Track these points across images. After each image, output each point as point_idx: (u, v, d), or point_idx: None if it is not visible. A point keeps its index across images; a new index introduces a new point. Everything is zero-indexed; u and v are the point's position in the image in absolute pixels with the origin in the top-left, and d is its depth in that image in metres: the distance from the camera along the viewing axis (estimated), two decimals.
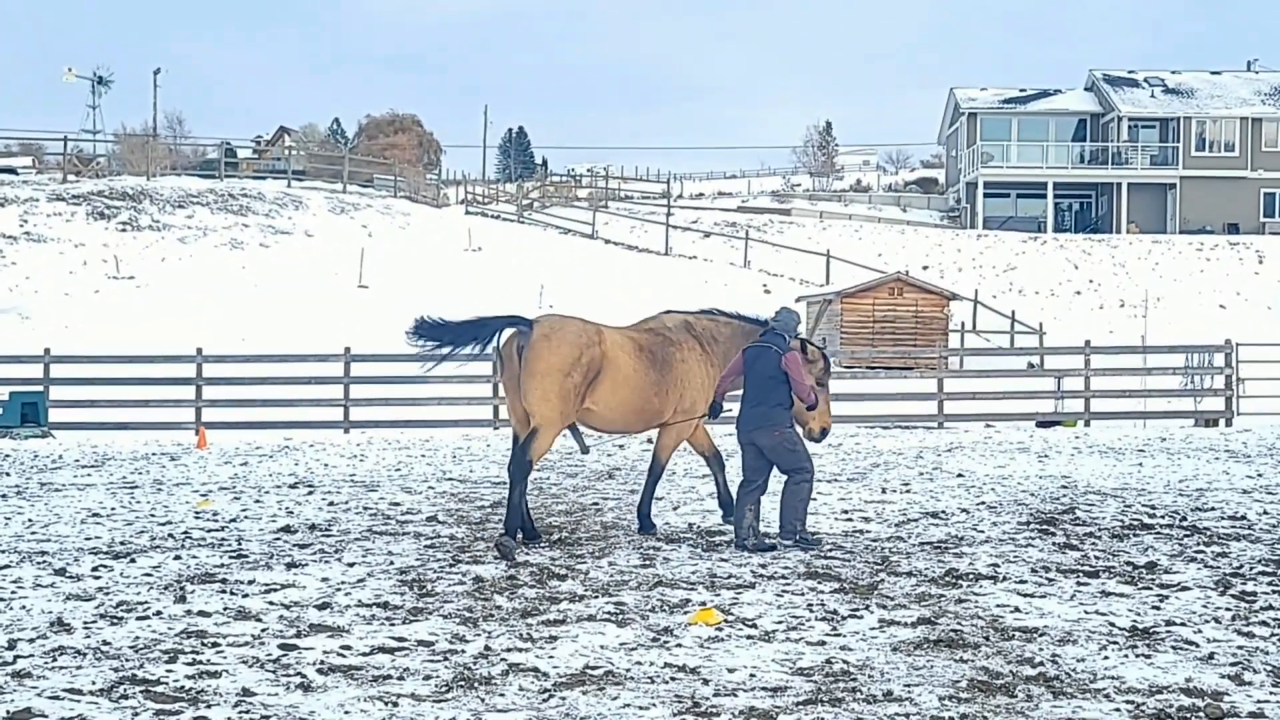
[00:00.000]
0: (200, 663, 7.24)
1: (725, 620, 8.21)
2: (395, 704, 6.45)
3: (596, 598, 8.94)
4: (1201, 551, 10.73)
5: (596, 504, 13.91)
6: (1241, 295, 51.47)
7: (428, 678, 6.95)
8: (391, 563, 10.30)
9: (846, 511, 13.21)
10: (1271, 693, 6.62)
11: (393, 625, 8.16)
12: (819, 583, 9.43)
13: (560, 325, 11.27)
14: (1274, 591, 9.08)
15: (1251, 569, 9.96)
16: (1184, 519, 12.56)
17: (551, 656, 7.37)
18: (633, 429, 12.13)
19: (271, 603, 8.82)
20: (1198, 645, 7.59)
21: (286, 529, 12.09)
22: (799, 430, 11.24)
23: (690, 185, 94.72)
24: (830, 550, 10.85)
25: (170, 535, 11.76)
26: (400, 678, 6.95)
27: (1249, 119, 64.46)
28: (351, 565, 10.18)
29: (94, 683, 6.82)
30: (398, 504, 13.90)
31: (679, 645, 7.63)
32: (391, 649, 7.57)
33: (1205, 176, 64.00)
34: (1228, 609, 8.55)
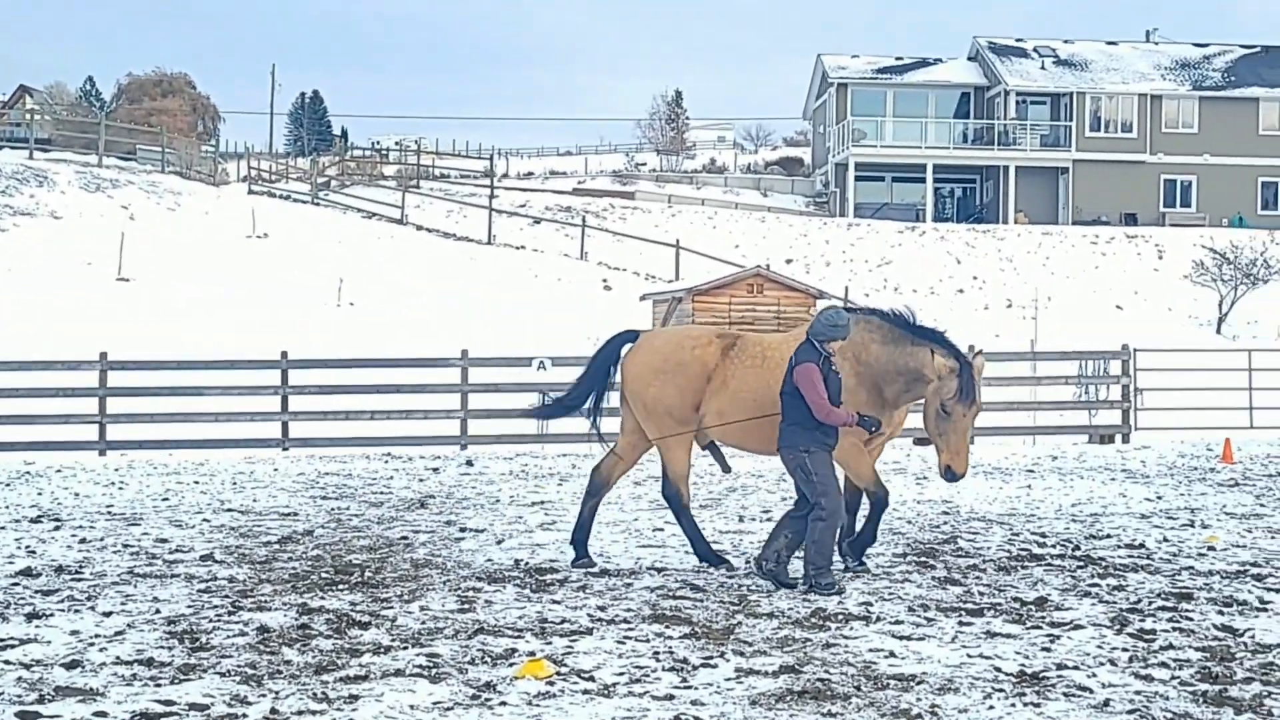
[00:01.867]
0: None
1: (558, 673, 8.18)
2: None
3: (406, 649, 8.84)
4: (1096, 585, 11.05)
5: (405, 538, 13.75)
6: (1140, 295, 53.06)
7: None
8: (157, 611, 10.02)
9: None
10: None
11: (159, 686, 7.93)
12: (667, 627, 9.47)
13: (650, 335, 12.69)
14: (1174, 629, 9.40)
15: (1150, 603, 10.28)
16: (1077, 548, 12.93)
17: (353, 717, 7.28)
18: (753, 447, 12.34)
19: (8, 662, 8.48)
20: (1092, 691, 7.81)
21: (27, 572, 11.67)
22: (829, 453, 11.07)
23: (518, 163, 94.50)
24: (679, 589, 10.90)
25: None
26: None
27: (1148, 96, 66.65)
28: (108, 615, 9.87)
29: None
30: (165, 540, 13.52)
31: (503, 703, 7.58)
32: (157, 715, 7.36)
33: (1100, 160, 66.04)
34: (1125, 649, 8.81)
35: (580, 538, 12.13)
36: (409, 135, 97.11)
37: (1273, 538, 13.64)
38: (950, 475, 11.20)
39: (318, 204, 61.40)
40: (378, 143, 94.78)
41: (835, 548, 11.17)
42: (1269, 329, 47.17)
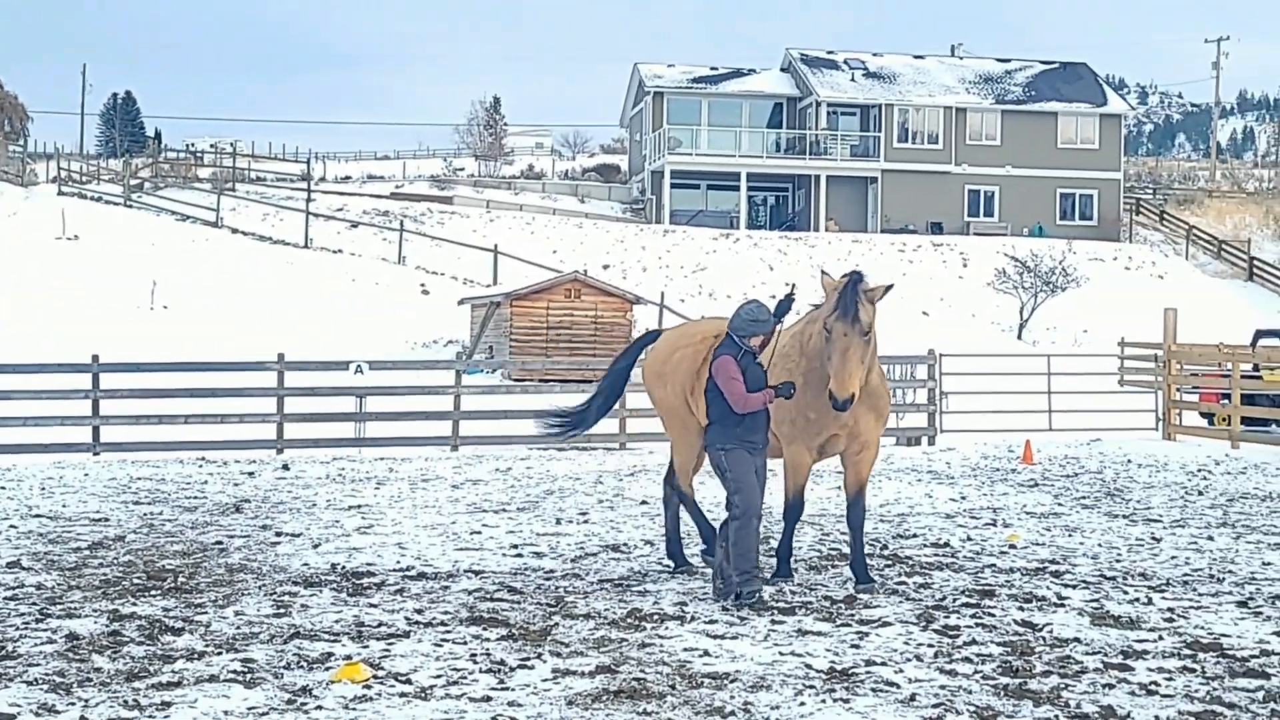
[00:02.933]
0: None
1: (374, 676, 8.10)
2: None
3: (220, 654, 8.67)
4: (903, 583, 11.28)
5: (220, 543, 13.47)
6: (945, 301, 54.30)
7: None
8: None
9: (516, 546, 13.24)
10: None
11: None
12: (484, 629, 9.43)
13: (661, 337, 12.66)
14: (977, 625, 9.63)
15: (954, 600, 10.53)
16: (885, 547, 13.18)
17: None
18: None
19: None
20: (899, 686, 7.97)
21: None
22: (749, 453, 10.62)
23: (336, 167, 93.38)
24: (496, 591, 10.87)
25: None
26: None
27: (953, 108, 68.14)
28: None
29: None
30: None
31: (319, 708, 7.49)
32: None
33: (908, 170, 67.28)
34: (930, 645, 9.01)
35: (674, 550, 12.08)
36: (224, 138, 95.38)
37: (1069, 535, 14.06)
38: (833, 401, 10.36)
39: (130, 206, 59.92)
40: (192, 145, 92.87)
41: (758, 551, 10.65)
42: (1067, 335, 48.62)
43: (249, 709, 7.45)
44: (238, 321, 41.20)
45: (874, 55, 72.92)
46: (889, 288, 11.15)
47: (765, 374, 10.61)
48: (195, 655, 8.63)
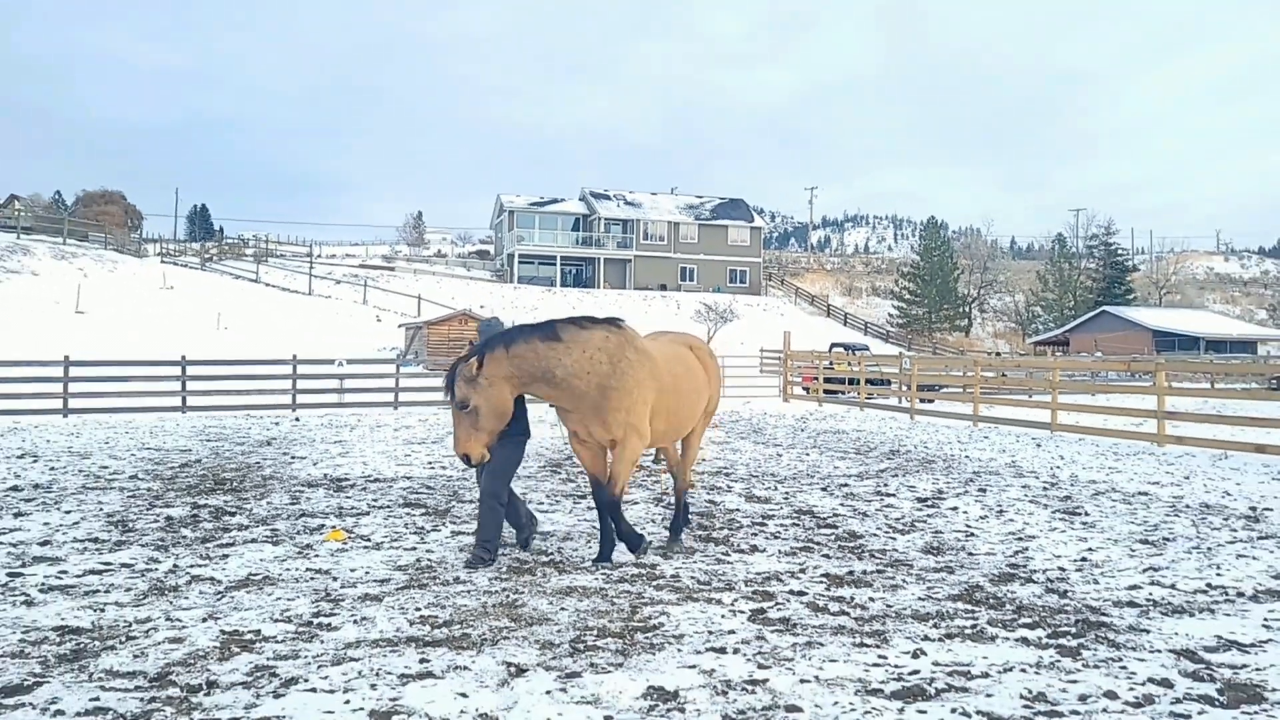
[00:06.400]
0: None
1: (349, 537, 7.89)
2: (103, 610, 5.76)
3: (258, 527, 8.34)
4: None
5: (258, 463, 12.87)
6: (670, 326, 54.72)
7: (129, 589, 6.24)
8: (101, 509, 9.12)
9: (431, 463, 12.94)
10: None
11: (101, 554, 7.25)
12: (411, 510, 9.23)
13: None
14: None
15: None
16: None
17: (224, 569, 6.82)
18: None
19: (0, 542, 7.59)
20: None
21: (14, 488, 10.44)
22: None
23: (327, 249, 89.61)
24: (420, 489, 10.59)
25: None
26: (107, 591, 6.20)
27: (673, 222, 68.91)
28: (69, 513, 8.93)
29: None
30: (105, 467, 12.33)
31: (316, 555, 7.27)
32: (100, 571, 6.72)
33: (648, 256, 67.72)
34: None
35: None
36: (261, 231, 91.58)
37: (734, 454, 14.29)
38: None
39: (204, 270, 56.70)
40: (242, 235, 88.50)
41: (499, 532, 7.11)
42: (734, 347, 49.77)
43: (275, 557, 7.19)
44: (269, 337, 39.55)
45: (630, 192, 73.18)
46: (481, 360, 6.58)
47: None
48: (242, 528, 8.29)
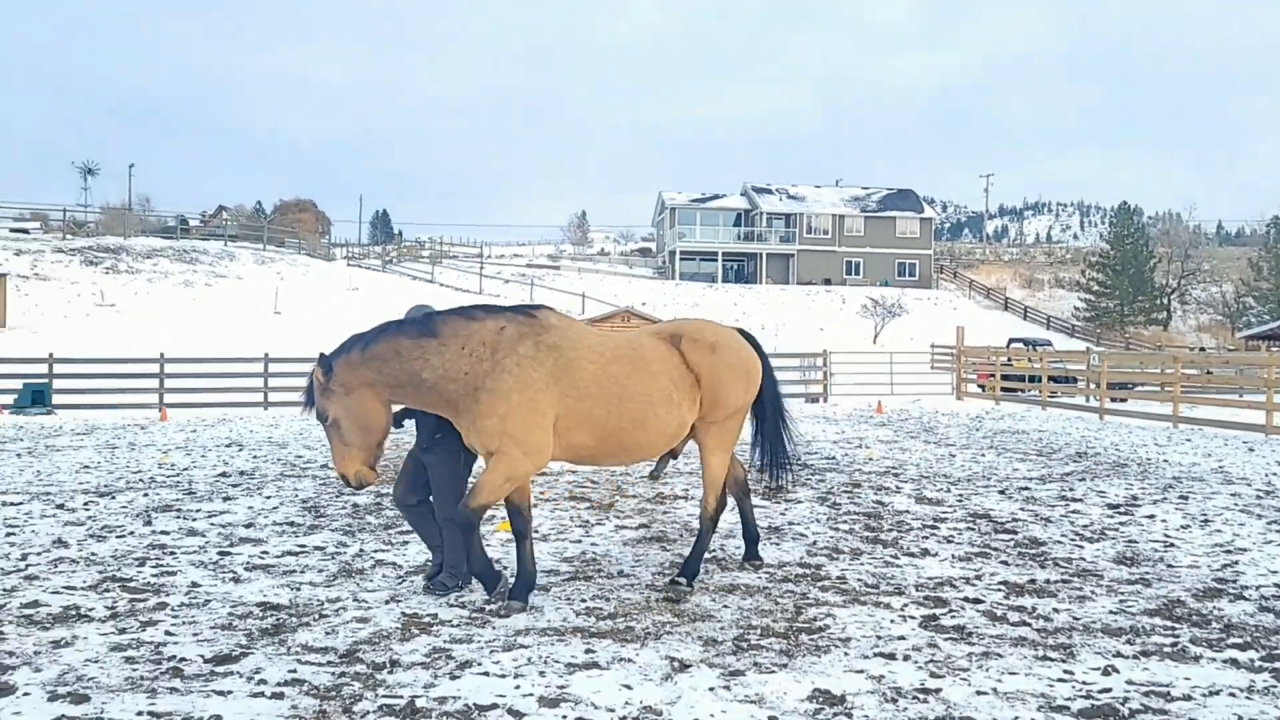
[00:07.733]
0: (162, 566, 6.81)
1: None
2: (299, 589, 6.22)
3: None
4: (808, 480, 11.16)
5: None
6: (834, 321, 53.98)
7: (321, 571, 6.71)
8: (297, 495, 9.85)
9: None
10: None
11: (297, 537, 7.83)
12: (576, 504, 9.47)
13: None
14: (851, 503, 9.56)
15: (838, 489, 10.40)
16: (800, 460, 13.12)
17: (404, 555, 7.22)
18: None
19: (212, 524, 8.33)
20: (806, 536, 7.93)
21: (223, 474, 11.43)
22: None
23: (495, 249, 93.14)
24: (578, 485, 10.84)
25: (140, 480, 10.97)
26: (302, 571, 6.69)
27: (837, 215, 67.65)
28: (269, 498, 9.70)
29: (84, 582, 6.35)
30: (301, 456, 13.28)
31: (487, 545, 7.53)
32: (296, 552, 7.27)
33: (812, 250, 66.72)
34: (825, 514, 8.96)
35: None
36: (436, 234, 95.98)
37: (903, 453, 14.00)
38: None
39: (386, 271, 60.05)
40: (419, 238, 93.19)
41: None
42: (901, 341, 48.30)
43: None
44: None
45: (792, 186, 72.35)
46: (328, 367, 5.54)
47: None
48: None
